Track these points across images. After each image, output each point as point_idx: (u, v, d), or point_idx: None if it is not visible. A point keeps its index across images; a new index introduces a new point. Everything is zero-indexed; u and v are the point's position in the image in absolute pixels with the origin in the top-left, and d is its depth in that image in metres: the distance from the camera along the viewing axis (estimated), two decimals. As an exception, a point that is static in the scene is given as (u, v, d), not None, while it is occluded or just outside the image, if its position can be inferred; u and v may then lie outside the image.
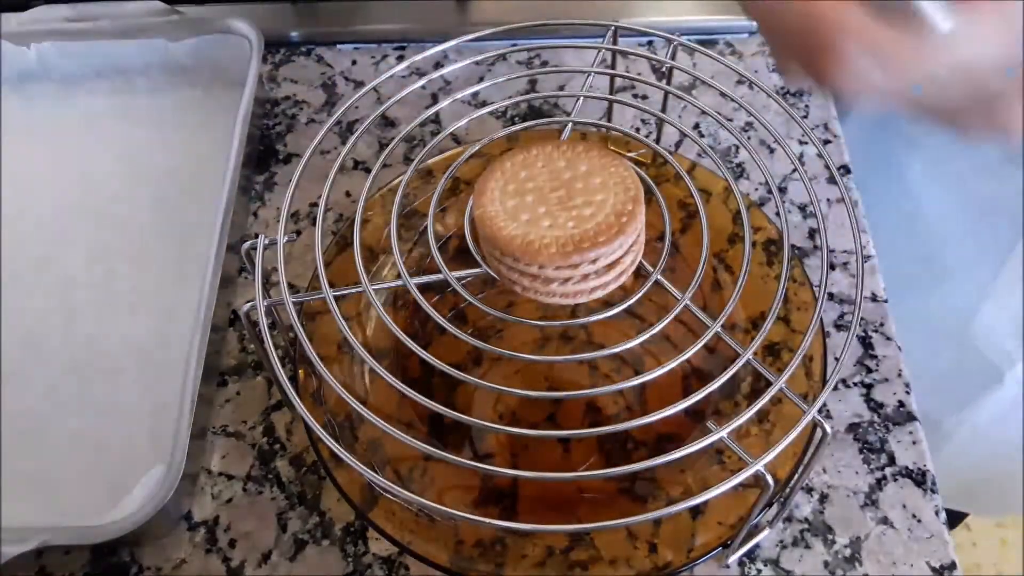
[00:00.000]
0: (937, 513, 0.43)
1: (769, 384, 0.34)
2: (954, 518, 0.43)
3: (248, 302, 0.37)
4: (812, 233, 0.53)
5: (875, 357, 0.48)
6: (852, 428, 0.46)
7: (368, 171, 0.56)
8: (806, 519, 0.43)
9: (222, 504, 0.45)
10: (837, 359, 0.35)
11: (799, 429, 0.32)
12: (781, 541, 0.43)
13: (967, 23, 0.24)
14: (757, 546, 0.42)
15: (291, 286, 0.52)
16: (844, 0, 0.25)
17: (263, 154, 0.58)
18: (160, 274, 0.52)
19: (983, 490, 0.77)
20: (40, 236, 0.55)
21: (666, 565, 0.39)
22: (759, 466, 0.32)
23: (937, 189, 0.58)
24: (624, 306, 0.36)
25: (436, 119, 0.59)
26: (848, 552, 0.42)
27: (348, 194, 0.56)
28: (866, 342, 0.49)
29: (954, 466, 0.66)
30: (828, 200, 0.54)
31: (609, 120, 0.55)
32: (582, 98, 0.45)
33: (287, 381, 0.36)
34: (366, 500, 0.40)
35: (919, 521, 0.43)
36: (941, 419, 0.63)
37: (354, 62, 0.63)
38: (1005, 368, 0.59)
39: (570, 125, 0.44)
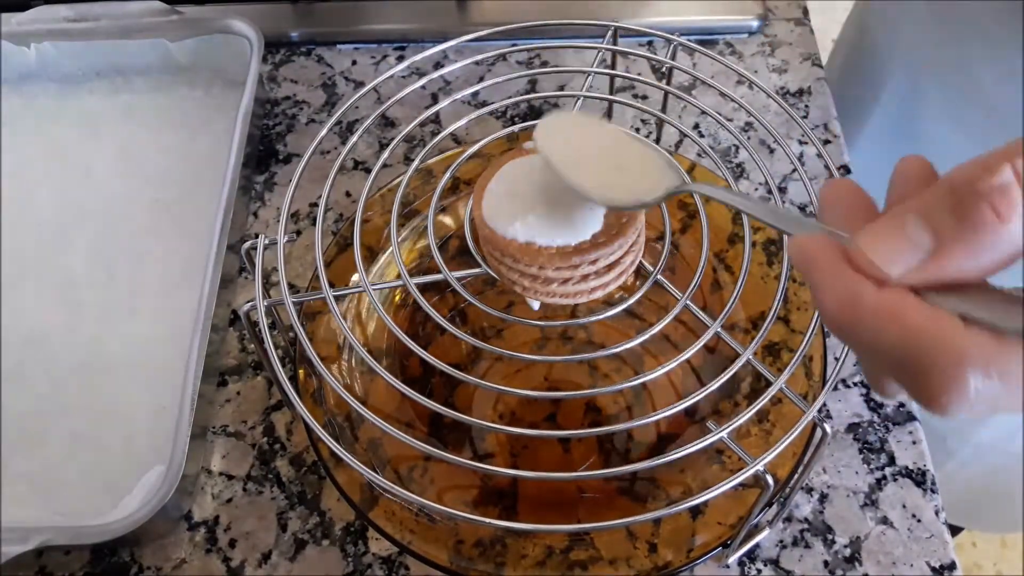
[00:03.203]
0: (937, 513, 0.43)
1: (769, 384, 0.34)
2: (952, 531, 0.43)
3: (248, 302, 0.37)
4: (812, 233, 0.53)
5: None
6: (852, 428, 0.46)
7: (368, 171, 0.56)
8: (806, 519, 0.43)
9: (222, 504, 0.45)
10: (837, 359, 0.35)
11: (799, 429, 0.32)
12: (781, 541, 0.43)
13: None
14: (757, 546, 0.42)
15: (291, 286, 0.52)
16: (960, 323, 0.21)
17: (263, 154, 0.58)
18: (160, 274, 0.52)
19: (984, 507, 0.77)
20: (40, 236, 0.55)
21: (666, 565, 0.39)
22: (759, 466, 0.32)
23: None
24: (624, 306, 0.36)
25: (436, 119, 0.59)
26: (848, 552, 0.42)
27: (348, 194, 0.56)
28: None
29: (956, 482, 0.67)
30: (828, 200, 0.54)
31: (609, 120, 0.55)
32: (582, 98, 0.45)
33: (287, 381, 0.36)
34: (366, 500, 0.40)
35: (919, 521, 0.43)
36: (946, 436, 0.63)
37: (354, 62, 0.63)
38: None
39: (570, 125, 0.44)
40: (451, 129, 0.43)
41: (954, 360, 0.20)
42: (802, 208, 0.54)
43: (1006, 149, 0.20)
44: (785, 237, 0.33)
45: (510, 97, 0.50)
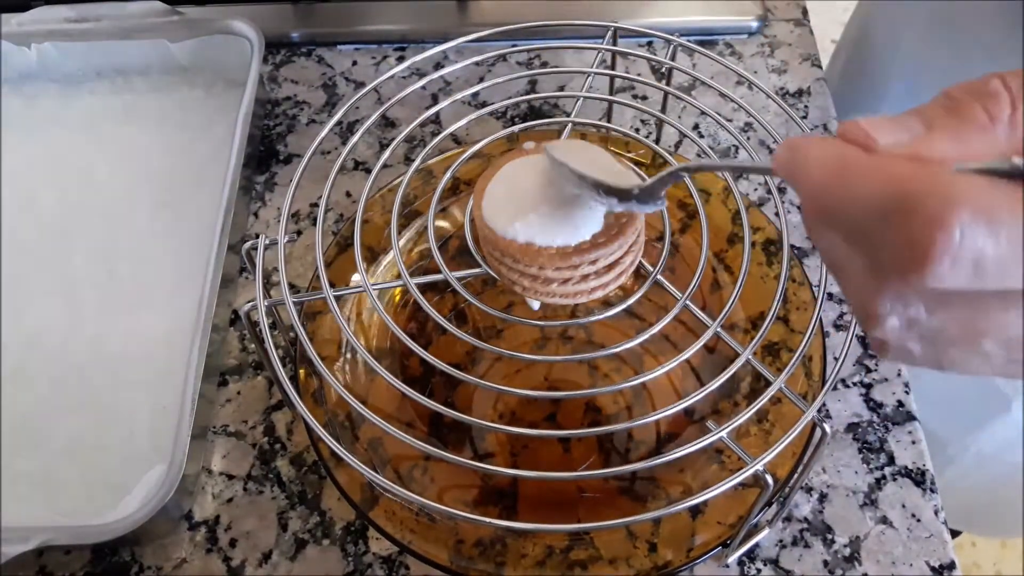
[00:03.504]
0: (936, 513, 0.43)
1: (768, 384, 0.34)
2: (951, 535, 0.44)
3: (249, 302, 0.37)
4: (811, 233, 0.53)
5: (874, 357, 0.48)
6: (851, 428, 0.46)
7: (368, 171, 0.56)
8: (805, 519, 0.43)
9: (222, 504, 0.45)
10: (836, 359, 0.35)
11: (798, 429, 0.32)
12: (781, 541, 0.43)
13: None
14: (757, 545, 0.43)
15: (291, 286, 0.52)
16: (950, 169, 0.19)
17: (264, 154, 0.58)
18: (160, 274, 0.52)
19: (983, 512, 0.77)
20: (41, 236, 0.55)
21: (666, 564, 0.39)
22: (759, 466, 0.32)
23: None
24: (624, 306, 0.36)
25: (436, 119, 0.59)
26: (847, 552, 0.42)
27: (348, 194, 0.56)
28: (865, 342, 0.49)
29: (956, 488, 0.67)
30: (827, 200, 0.54)
31: (609, 120, 0.55)
32: (582, 99, 0.45)
33: (287, 381, 0.36)
34: (366, 500, 0.40)
35: (918, 521, 0.43)
36: (947, 442, 0.63)
37: (354, 62, 0.63)
38: (1013, 396, 0.58)
39: (570, 126, 0.44)
40: (451, 129, 0.43)
41: (940, 197, 0.18)
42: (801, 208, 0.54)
43: (1003, 71, 0.21)
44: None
45: (510, 97, 0.50)
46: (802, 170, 0.21)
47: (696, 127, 0.58)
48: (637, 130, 0.58)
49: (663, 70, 0.60)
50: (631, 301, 0.36)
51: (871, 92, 0.61)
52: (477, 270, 0.38)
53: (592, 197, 0.33)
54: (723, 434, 0.32)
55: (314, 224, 0.54)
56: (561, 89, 0.61)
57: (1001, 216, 0.18)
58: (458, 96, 0.45)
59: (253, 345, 0.50)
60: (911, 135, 0.21)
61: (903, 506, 0.43)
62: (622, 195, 0.32)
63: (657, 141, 0.54)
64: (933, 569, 0.42)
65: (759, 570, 0.42)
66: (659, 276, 0.37)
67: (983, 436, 0.63)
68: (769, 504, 0.39)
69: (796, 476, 0.39)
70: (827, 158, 0.20)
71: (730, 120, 0.52)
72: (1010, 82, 0.21)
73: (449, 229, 0.50)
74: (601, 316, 0.37)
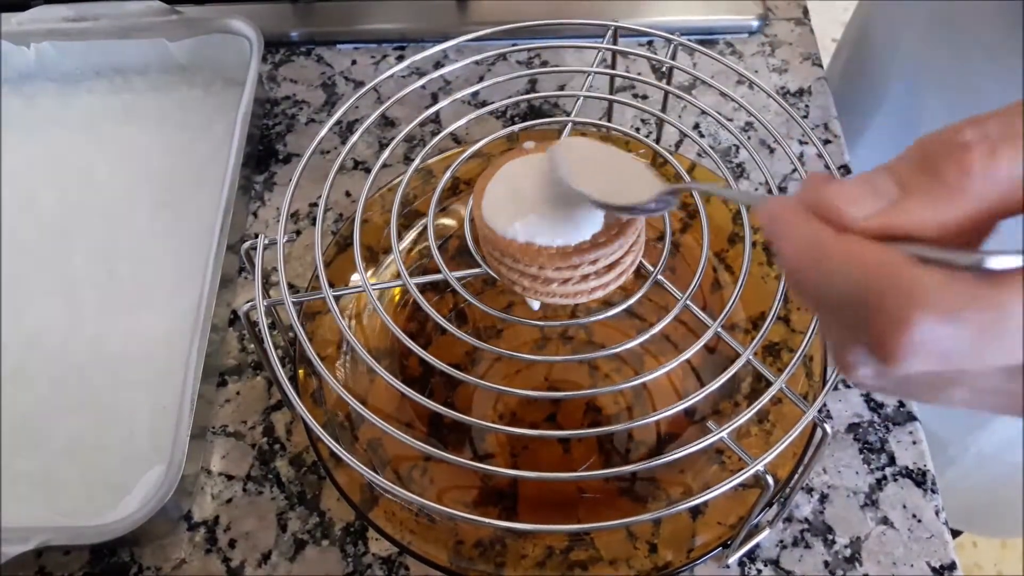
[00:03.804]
0: (937, 513, 0.43)
1: (769, 384, 0.34)
2: (951, 535, 0.44)
3: (248, 302, 0.37)
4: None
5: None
6: (852, 428, 0.46)
7: (368, 171, 0.56)
8: (806, 519, 0.43)
9: (222, 504, 0.45)
10: (837, 359, 0.35)
11: (799, 429, 0.32)
12: (781, 541, 0.43)
13: None
14: (757, 546, 0.42)
15: (291, 286, 0.52)
16: (915, 261, 0.19)
17: (263, 154, 0.58)
18: (160, 274, 0.52)
19: (984, 513, 0.77)
20: (40, 236, 0.55)
21: (666, 565, 0.39)
22: (759, 466, 0.32)
23: None
24: (624, 306, 0.36)
25: (436, 119, 0.59)
26: (848, 552, 0.42)
27: (348, 194, 0.56)
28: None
29: (956, 488, 0.67)
30: (828, 200, 0.54)
31: (609, 120, 0.55)
32: (582, 98, 0.45)
33: (287, 381, 0.36)
34: (366, 500, 0.40)
35: (919, 521, 0.43)
36: (947, 443, 0.63)
37: (354, 62, 0.63)
38: None
39: (570, 125, 0.44)
40: (451, 129, 0.43)
41: (903, 298, 0.19)
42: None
43: (977, 116, 0.20)
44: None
45: (510, 97, 0.50)
46: (779, 249, 0.22)
47: (696, 126, 0.58)
48: (637, 129, 0.58)
49: (663, 69, 0.60)
50: (631, 301, 0.36)
51: (871, 92, 0.61)
52: (477, 270, 0.38)
53: (594, 207, 0.33)
54: (724, 434, 0.32)
55: (313, 224, 0.54)
56: (561, 88, 0.60)
57: (963, 314, 0.18)
58: (458, 95, 0.45)
59: (252, 345, 0.50)
60: (883, 202, 0.20)
61: (904, 506, 0.43)
62: (622, 209, 0.32)
63: (657, 141, 0.53)
64: (934, 569, 0.42)
65: (759, 571, 0.42)
66: (660, 276, 0.37)
67: (983, 436, 0.63)
68: (770, 505, 0.38)
69: (797, 476, 0.39)
70: (801, 242, 0.21)
71: (731, 119, 0.52)
72: (989, 127, 0.19)
73: (449, 229, 0.50)
74: (601, 316, 0.37)
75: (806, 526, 0.43)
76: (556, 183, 0.35)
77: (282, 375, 0.36)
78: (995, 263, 0.18)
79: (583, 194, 0.33)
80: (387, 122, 0.59)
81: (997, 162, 0.19)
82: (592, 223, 0.34)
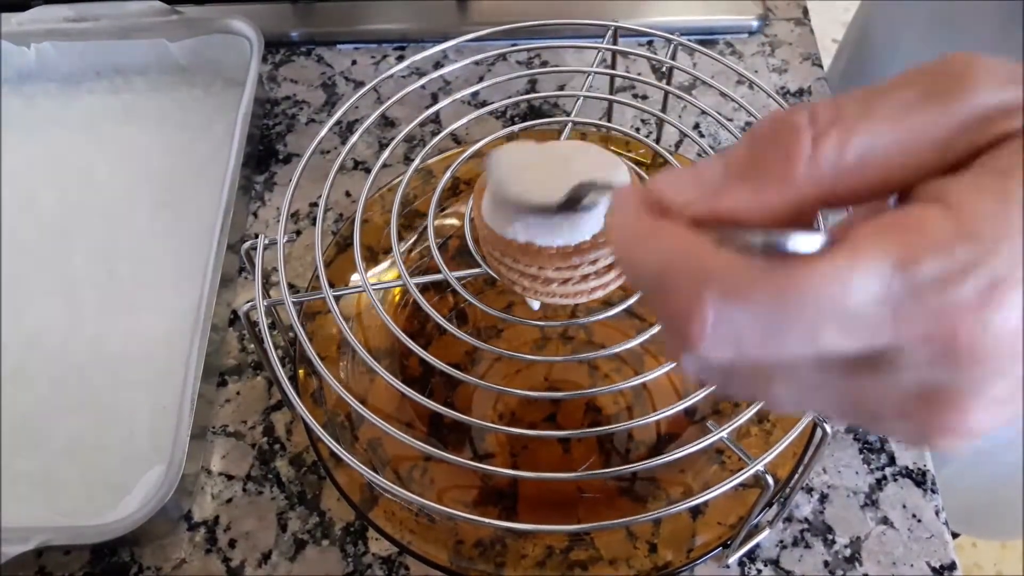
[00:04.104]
0: (937, 513, 0.43)
1: (769, 384, 0.34)
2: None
3: (248, 302, 0.37)
4: (812, 233, 0.53)
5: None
6: (852, 428, 0.46)
7: (368, 171, 0.56)
8: (806, 519, 0.43)
9: (222, 504, 0.45)
10: (837, 359, 0.35)
11: (799, 429, 0.32)
12: (781, 541, 0.43)
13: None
14: (757, 546, 0.42)
15: (291, 286, 0.52)
16: (712, 243, 0.18)
17: (263, 154, 0.58)
18: (160, 274, 0.52)
19: (982, 514, 0.77)
20: (40, 236, 0.55)
21: (666, 565, 0.39)
22: (759, 466, 0.32)
23: None
24: (624, 306, 0.36)
25: (436, 119, 0.59)
26: (848, 552, 0.42)
27: (348, 194, 0.56)
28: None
29: (954, 489, 0.67)
30: (828, 200, 0.54)
31: (609, 120, 0.55)
32: (582, 98, 0.45)
33: (287, 381, 0.36)
34: (366, 500, 0.40)
35: (919, 521, 0.43)
36: None
37: (354, 62, 0.63)
38: None
39: (570, 125, 0.44)
40: (451, 129, 0.43)
41: (693, 278, 0.18)
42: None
43: (829, 99, 0.20)
44: None
45: (510, 97, 0.50)
46: (608, 234, 0.22)
47: (697, 127, 0.58)
48: (637, 129, 0.58)
49: (663, 69, 0.60)
50: (632, 301, 0.36)
51: None
52: (477, 270, 0.38)
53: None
54: (724, 434, 0.32)
55: (313, 224, 0.54)
56: (561, 88, 0.60)
57: (751, 295, 0.17)
58: (458, 95, 0.45)
59: (252, 345, 0.50)
60: (708, 188, 0.20)
61: (904, 506, 0.43)
62: (548, 210, 0.31)
63: (658, 141, 0.54)
64: (934, 569, 0.42)
65: (759, 571, 0.42)
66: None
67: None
68: (770, 504, 0.39)
69: (797, 476, 0.39)
70: (621, 226, 0.20)
71: (731, 120, 0.52)
72: (820, 113, 0.19)
73: (449, 229, 0.50)
74: (601, 316, 0.37)
75: (806, 526, 0.43)
76: (494, 191, 0.34)
77: (282, 375, 0.36)
78: (793, 244, 0.17)
79: (509, 199, 0.32)
80: (387, 122, 0.59)
81: (820, 150, 0.18)
82: (592, 223, 0.34)
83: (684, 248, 0.19)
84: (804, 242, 0.17)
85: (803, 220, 0.19)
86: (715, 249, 0.18)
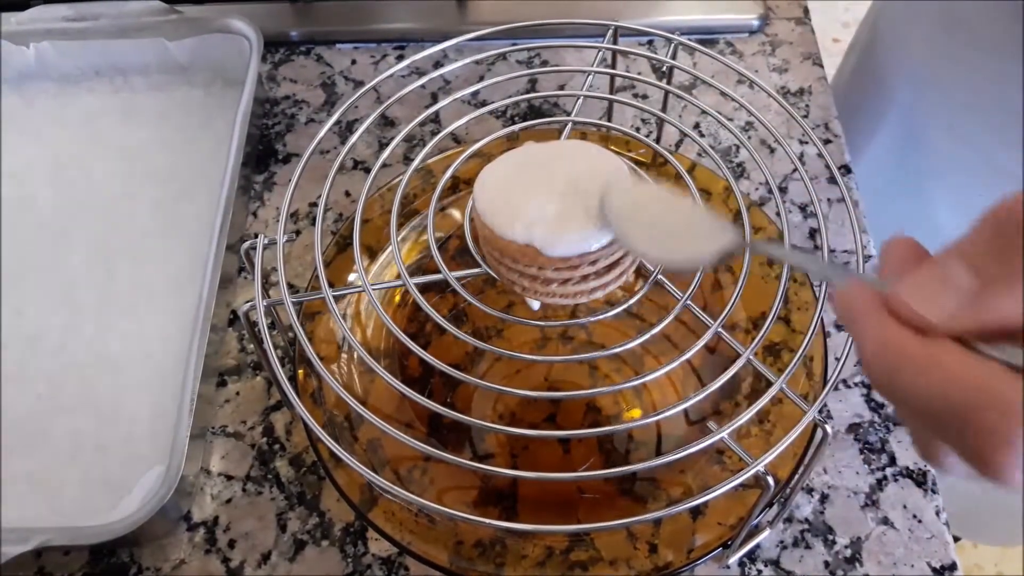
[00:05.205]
0: (938, 513, 0.43)
1: (769, 384, 0.34)
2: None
3: (248, 302, 0.37)
4: (813, 233, 0.53)
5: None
6: (853, 428, 0.46)
7: (368, 171, 0.56)
8: (806, 519, 0.43)
9: (222, 504, 0.45)
10: (838, 359, 0.35)
11: (799, 429, 0.32)
12: (781, 541, 0.43)
13: None
14: (757, 546, 0.42)
15: (291, 286, 0.52)
16: (1011, 373, 0.18)
17: (262, 154, 0.58)
18: (160, 274, 0.52)
19: (983, 519, 0.76)
20: (40, 236, 0.54)
21: (666, 565, 0.39)
22: (759, 466, 0.32)
23: (960, 219, 0.58)
24: (624, 306, 0.36)
25: (436, 119, 0.59)
26: (848, 552, 0.42)
27: (348, 194, 0.56)
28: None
29: (955, 493, 0.66)
30: (828, 200, 0.54)
31: (609, 120, 0.55)
32: (582, 97, 0.45)
33: (286, 381, 0.36)
34: (365, 500, 0.40)
35: (920, 521, 0.43)
36: None
37: (354, 61, 0.63)
38: None
39: (570, 125, 0.44)
40: (451, 128, 0.43)
41: (1002, 415, 0.18)
42: (803, 208, 0.54)
43: None
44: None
45: (510, 96, 0.50)
46: (856, 344, 0.21)
47: (697, 126, 0.58)
48: (638, 129, 0.58)
49: (664, 69, 0.59)
50: (632, 301, 0.36)
51: (880, 93, 0.61)
52: (477, 270, 0.38)
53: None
54: (724, 435, 0.32)
55: (313, 224, 0.54)
56: (561, 88, 0.60)
57: None
58: (458, 95, 0.45)
59: (252, 345, 0.50)
60: (962, 297, 0.19)
61: (904, 507, 0.43)
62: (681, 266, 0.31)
63: (658, 140, 0.53)
64: (934, 570, 0.42)
65: (760, 571, 0.42)
66: (660, 276, 0.37)
67: None
68: (770, 505, 0.38)
69: (797, 477, 0.38)
70: (879, 344, 0.20)
71: (731, 119, 0.52)
72: None
73: (449, 229, 0.50)
74: (601, 316, 0.37)
75: (806, 526, 0.43)
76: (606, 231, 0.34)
77: (282, 375, 0.36)
78: None
79: (638, 253, 0.32)
80: (387, 122, 0.59)
81: None
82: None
83: (981, 377, 0.19)
84: None
85: None
86: (1016, 381, 0.18)
